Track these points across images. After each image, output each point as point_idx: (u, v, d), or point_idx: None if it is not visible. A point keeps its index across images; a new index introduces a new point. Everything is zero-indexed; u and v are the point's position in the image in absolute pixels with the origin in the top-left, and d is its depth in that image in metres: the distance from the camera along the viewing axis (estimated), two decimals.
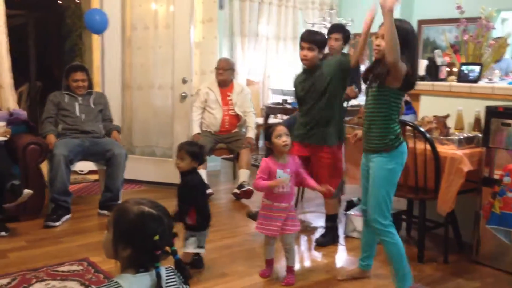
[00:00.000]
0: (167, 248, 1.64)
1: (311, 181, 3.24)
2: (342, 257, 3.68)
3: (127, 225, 1.57)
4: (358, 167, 3.17)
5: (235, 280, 3.23)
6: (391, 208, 2.99)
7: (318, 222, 4.27)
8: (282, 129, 3.10)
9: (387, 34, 2.66)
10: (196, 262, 3.30)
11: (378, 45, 2.84)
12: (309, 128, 3.69)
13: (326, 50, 4.89)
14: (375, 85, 2.89)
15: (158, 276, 1.57)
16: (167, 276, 1.62)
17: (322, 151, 3.67)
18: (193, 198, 3.20)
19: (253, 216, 4.01)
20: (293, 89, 3.88)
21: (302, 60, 3.66)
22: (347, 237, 4.00)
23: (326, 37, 4.74)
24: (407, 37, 2.77)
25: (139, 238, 1.56)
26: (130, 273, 1.58)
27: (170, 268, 1.67)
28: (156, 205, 1.63)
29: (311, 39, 3.62)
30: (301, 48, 3.65)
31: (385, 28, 2.69)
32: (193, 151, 3.21)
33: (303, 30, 3.98)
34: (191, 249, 3.19)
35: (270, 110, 6.85)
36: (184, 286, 1.69)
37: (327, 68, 3.63)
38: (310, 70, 3.70)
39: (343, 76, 3.63)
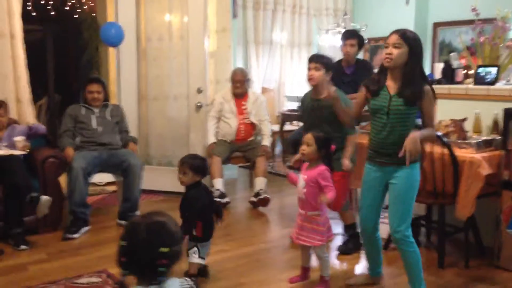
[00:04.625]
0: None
1: (328, 192, 3.03)
2: (360, 264, 3.64)
3: (137, 239, 1.60)
4: None
5: None
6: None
7: (337, 228, 4.23)
8: (305, 137, 3.13)
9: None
10: (202, 272, 3.25)
11: (389, 54, 2.78)
12: None
13: (341, 56, 4.93)
14: (403, 104, 2.83)
15: None
16: None
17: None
18: (199, 211, 3.13)
19: None
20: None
21: (308, 80, 3.65)
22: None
23: (341, 43, 4.78)
24: (421, 50, 2.83)
25: (147, 251, 1.59)
26: (143, 285, 1.60)
27: (186, 282, 1.68)
28: (169, 219, 1.69)
29: (317, 60, 3.65)
30: (308, 69, 3.68)
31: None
32: (195, 165, 3.15)
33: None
34: (195, 259, 3.14)
35: (285, 117, 6.84)
36: None
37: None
38: (317, 99, 3.68)
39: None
